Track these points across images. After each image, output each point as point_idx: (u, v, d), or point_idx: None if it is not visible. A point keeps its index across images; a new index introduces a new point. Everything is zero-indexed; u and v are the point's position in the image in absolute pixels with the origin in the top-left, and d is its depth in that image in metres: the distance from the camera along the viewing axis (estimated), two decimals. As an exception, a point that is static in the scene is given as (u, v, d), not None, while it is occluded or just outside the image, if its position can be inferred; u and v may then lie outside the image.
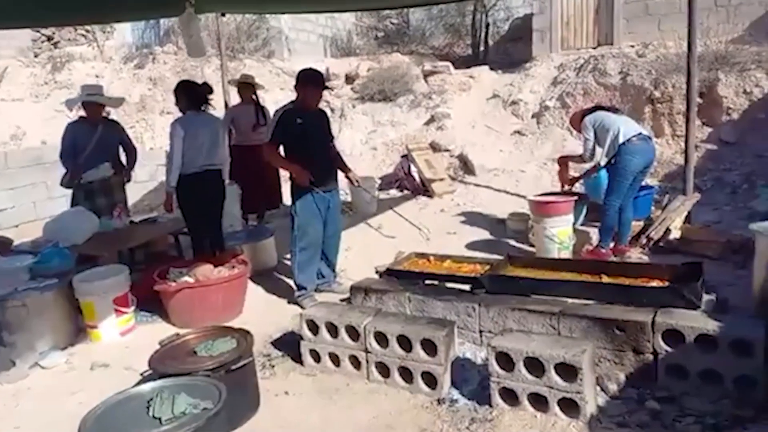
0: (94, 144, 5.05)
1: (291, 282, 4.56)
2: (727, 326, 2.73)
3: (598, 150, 4.85)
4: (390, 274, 4.05)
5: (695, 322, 2.81)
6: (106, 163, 5.15)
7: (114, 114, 5.80)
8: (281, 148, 4.34)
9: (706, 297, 3.15)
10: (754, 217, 5.33)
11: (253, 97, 6.50)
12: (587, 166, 5.38)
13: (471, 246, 5.70)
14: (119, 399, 2.42)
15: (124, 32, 12.71)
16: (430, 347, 3.03)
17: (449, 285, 3.84)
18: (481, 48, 13.64)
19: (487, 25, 13.77)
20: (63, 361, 3.75)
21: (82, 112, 5.25)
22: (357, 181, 4.72)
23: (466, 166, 8.72)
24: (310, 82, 4.26)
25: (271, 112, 7.06)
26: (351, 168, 4.77)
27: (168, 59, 11.37)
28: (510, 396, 2.77)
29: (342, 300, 4.18)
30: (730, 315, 3.10)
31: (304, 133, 4.21)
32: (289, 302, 4.50)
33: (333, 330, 3.34)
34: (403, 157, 8.53)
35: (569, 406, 2.64)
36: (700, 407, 2.66)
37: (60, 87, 10.63)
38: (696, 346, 2.76)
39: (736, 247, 4.72)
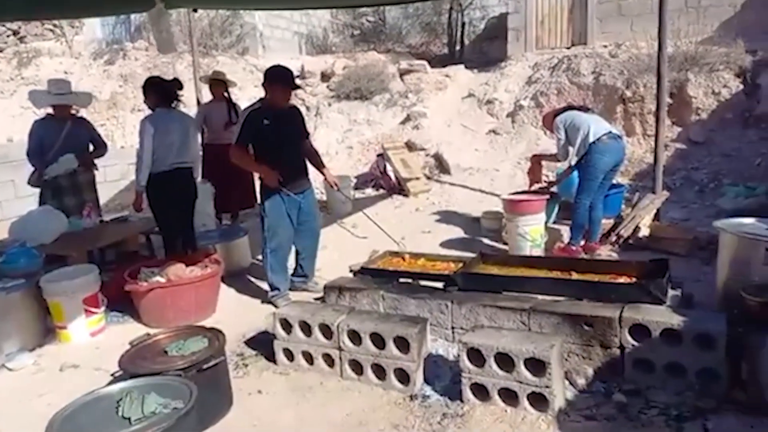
0: (62, 141, 4.97)
1: (264, 282, 4.53)
2: (691, 321, 2.80)
3: (571, 149, 4.92)
4: (364, 272, 4.05)
5: (661, 317, 2.87)
6: (68, 155, 5.02)
7: (83, 111, 5.69)
8: (251, 149, 4.21)
9: (671, 293, 3.21)
10: (720, 214, 5.44)
11: (225, 94, 6.44)
12: (561, 165, 5.47)
13: (446, 244, 5.74)
14: (88, 400, 2.39)
15: (94, 27, 12.49)
16: (402, 344, 3.04)
17: (423, 283, 3.86)
18: (457, 47, 13.72)
19: (463, 24, 13.85)
20: (31, 362, 3.68)
21: (50, 109, 5.16)
22: (335, 183, 4.64)
23: (441, 165, 8.77)
24: (278, 80, 4.11)
25: (245, 110, 7.03)
26: (328, 168, 4.66)
27: (139, 55, 11.22)
28: (481, 391, 2.81)
29: (316, 299, 4.18)
30: (694, 310, 3.17)
31: (272, 133, 4.10)
32: (262, 302, 4.48)
33: (306, 329, 3.34)
34: (378, 156, 8.55)
35: (538, 401, 2.68)
36: (665, 399, 2.72)
37: (27, 83, 10.40)
38: (661, 340, 2.82)
39: (703, 244, 4.84)
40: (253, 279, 5.03)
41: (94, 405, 2.36)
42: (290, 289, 4.46)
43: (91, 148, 5.36)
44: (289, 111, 4.34)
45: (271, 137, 4.11)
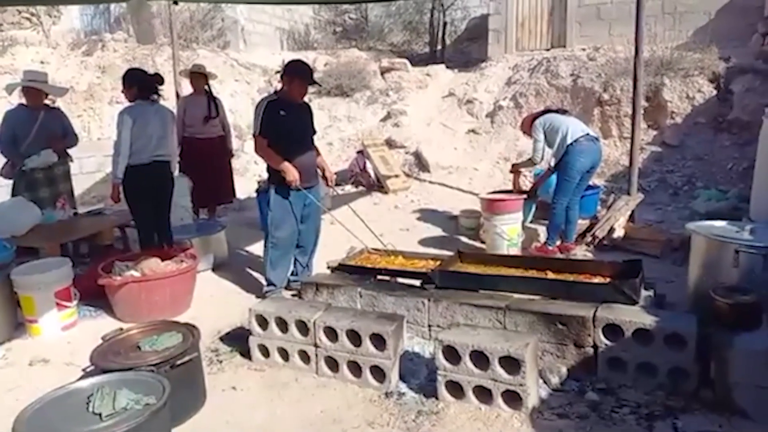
0: (35, 132, 4.88)
1: (243, 276, 4.48)
2: (663, 321, 2.85)
3: (549, 151, 4.97)
4: (342, 269, 4.04)
5: (633, 317, 2.91)
6: (48, 149, 4.95)
7: (60, 102, 5.58)
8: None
9: (644, 293, 3.26)
10: (694, 217, 5.54)
11: (206, 88, 6.38)
12: (540, 167, 5.52)
13: (424, 242, 5.76)
14: (58, 395, 2.35)
15: (72, 17, 12.26)
16: (379, 341, 3.04)
17: (400, 280, 3.85)
18: (439, 46, 13.78)
19: (445, 24, 13.92)
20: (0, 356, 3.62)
21: (23, 99, 5.05)
22: (332, 180, 4.54)
23: (420, 163, 8.79)
24: (298, 74, 4.10)
25: (226, 105, 6.97)
26: (328, 166, 4.60)
27: (118, 47, 11.01)
28: (456, 389, 2.82)
29: (293, 295, 4.16)
30: (666, 310, 3.22)
31: (288, 125, 4.07)
32: (243, 296, 4.43)
33: (282, 325, 3.32)
34: (358, 152, 8.54)
35: (512, 399, 2.70)
36: (636, 398, 2.77)
37: (2, 72, 10.18)
38: (634, 339, 2.86)
39: (676, 246, 4.92)
40: (230, 273, 4.99)
41: (64, 400, 2.32)
42: (286, 288, 4.39)
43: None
44: (303, 105, 4.33)
45: (287, 129, 4.08)
